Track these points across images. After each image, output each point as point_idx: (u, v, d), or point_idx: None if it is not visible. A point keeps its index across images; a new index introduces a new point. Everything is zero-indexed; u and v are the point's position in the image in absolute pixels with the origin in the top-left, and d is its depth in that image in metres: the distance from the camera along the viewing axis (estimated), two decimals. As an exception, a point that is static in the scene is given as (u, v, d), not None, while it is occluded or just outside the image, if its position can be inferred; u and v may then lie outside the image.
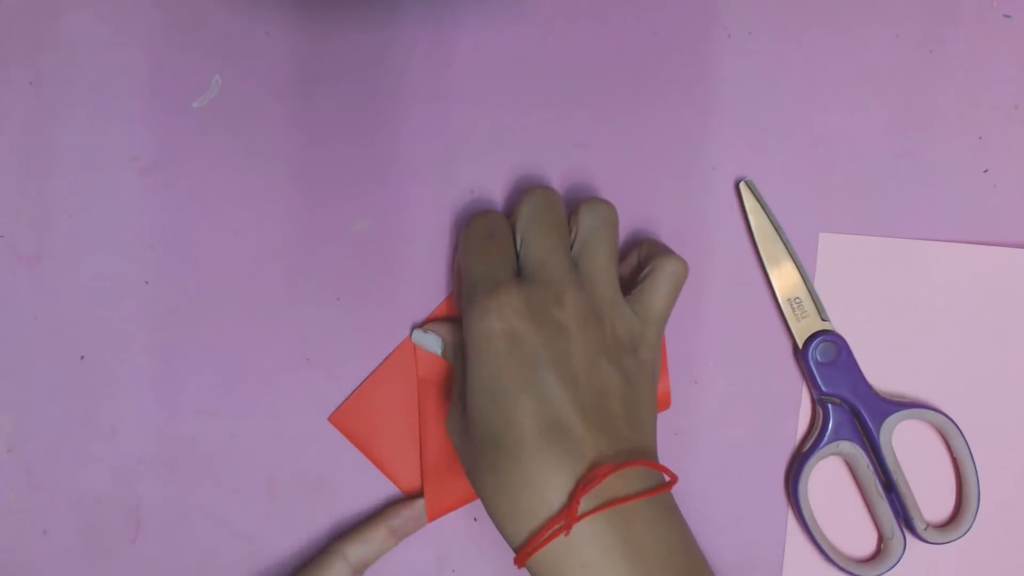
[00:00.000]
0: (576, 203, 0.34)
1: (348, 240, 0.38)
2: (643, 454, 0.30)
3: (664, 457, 0.37)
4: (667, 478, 0.31)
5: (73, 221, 0.38)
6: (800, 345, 0.38)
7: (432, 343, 0.37)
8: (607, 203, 0.34)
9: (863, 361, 0.38)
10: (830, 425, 0.38)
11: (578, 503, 0.28)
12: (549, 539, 0.28)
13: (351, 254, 0.38)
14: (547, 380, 0.29)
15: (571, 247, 0.33)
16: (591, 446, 0.29)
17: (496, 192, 0.38)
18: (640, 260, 0.35)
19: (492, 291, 0.31)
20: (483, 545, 0.38)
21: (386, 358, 0.38)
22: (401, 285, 0.38)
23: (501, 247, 0.33)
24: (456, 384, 0.34)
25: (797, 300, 0.38)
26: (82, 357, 0.38)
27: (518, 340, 0.30)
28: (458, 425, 0.32)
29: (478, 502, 0.37)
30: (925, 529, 0.38)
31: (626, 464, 0.29)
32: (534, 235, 0.33)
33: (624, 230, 0.38)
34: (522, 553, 0.29)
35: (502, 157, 0.38)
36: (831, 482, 0.39)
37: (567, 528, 0.28)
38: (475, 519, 0.38)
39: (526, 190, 0.34)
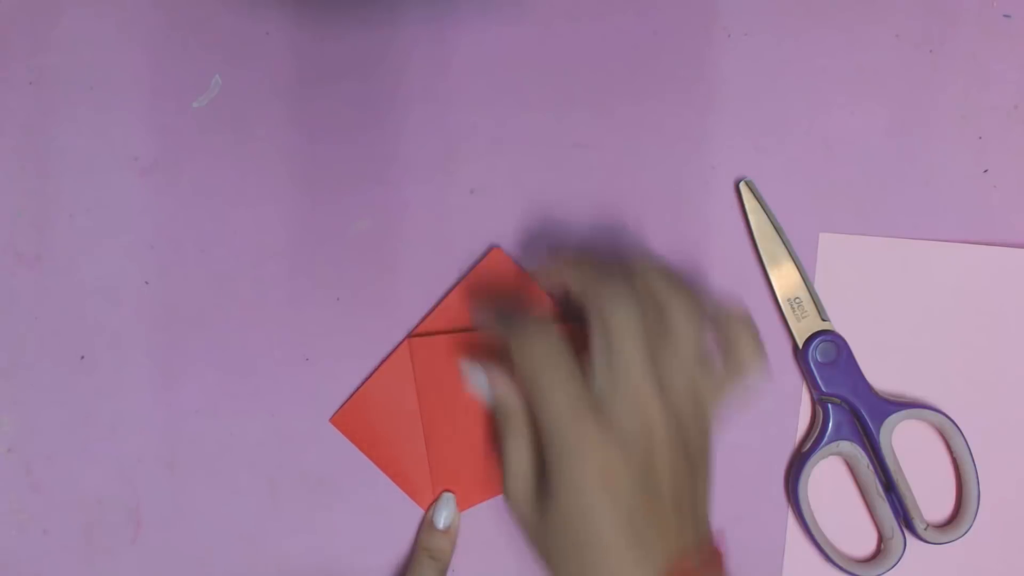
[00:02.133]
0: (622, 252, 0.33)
1: (348, 240, 0.38)
2: (707, 539, 0.32)
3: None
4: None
5: (73, 221, 0.38)
6: (800, 345, 0.38)
7: (481, 384, 0.34)
8: (690, 297, 0.32)
9: (863, 361, 0.38)
10: (830, 425, 0.38)
11: None
12: None
13: (351, 254, 0.38)
14: (635, 495, 0.30)
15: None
16: (672, 541, 0.30)
17: (496, 192, 0.38)
18: (722, 339, 0.33)
19: (578, 432, 0.30)
20: (490, 557, 0.38)
21: (385, 359, 0.38)
22: (401, 285, 0.38)
23: (569, 365, 0.31)
24: (520, 453, 0.33)
25: (797, 300, 0.38)
26: (82, 357, 0.38)
27: (612, 474, 0.30)
28: (531, 500, 0.32)
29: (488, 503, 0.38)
30: (925, 529, 0.38)
31: (703, 558, 0.31)
32: (622, 348, 0.31)
33: (624, 230, 0.38)
34: None
35: (502, 157, 0.38)
36: (831, 482, 0.39)
37: None
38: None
39: (605, 289, 0.32)
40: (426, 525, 0.37)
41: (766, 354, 0.33)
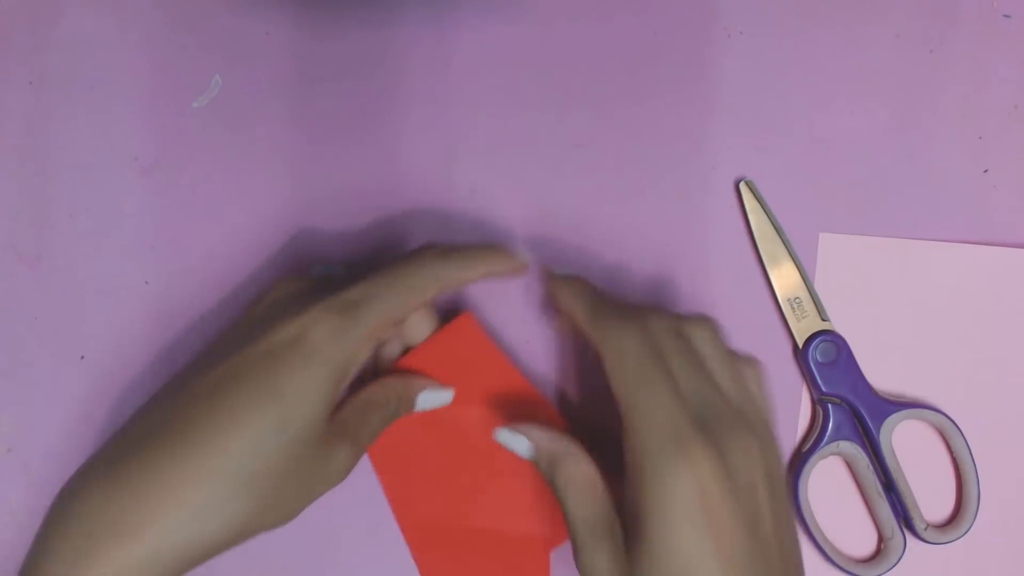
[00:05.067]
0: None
1: (348, 240, 0.38)
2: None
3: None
4: None
5: (73, 221, 0.38)
6: (800, 345, 0.38)
7: (522, 447, 0.32)
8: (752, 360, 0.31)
9: (863, 361, 0.38)
10: (830, 425, 0.38)
11: None
12: None
13: (351, 254, 0.38)
14: (749, 552, 0.27)
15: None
16: None
17: (496, 192, 0.38)
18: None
19: (684, 451, 0.27)
20: None
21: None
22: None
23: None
24: (594, 519, 0.29)
25: (797, 300, 0.38)
26: (82, 357, 0.38)
27: (718, 511, 0.27)
28: (610, 551, 0.28)
29: None
30: (925, 529, 0.38)
31: None
32: (694, 372, 0.29)
33: (624, 230, 0.38)
34: None
35: (502, 157, 0.38)
36: (831, 482, 0.39)
37: None
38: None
39: (691, 316, 0.31)
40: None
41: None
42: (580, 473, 0.30)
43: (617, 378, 0.29)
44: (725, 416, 0.28)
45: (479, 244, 0.33)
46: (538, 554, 0.36)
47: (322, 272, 0.34)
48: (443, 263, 0.32)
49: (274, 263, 0.38)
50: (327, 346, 0.29)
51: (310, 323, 0.29)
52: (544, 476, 0.31)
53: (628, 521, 0.28)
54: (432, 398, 0.33)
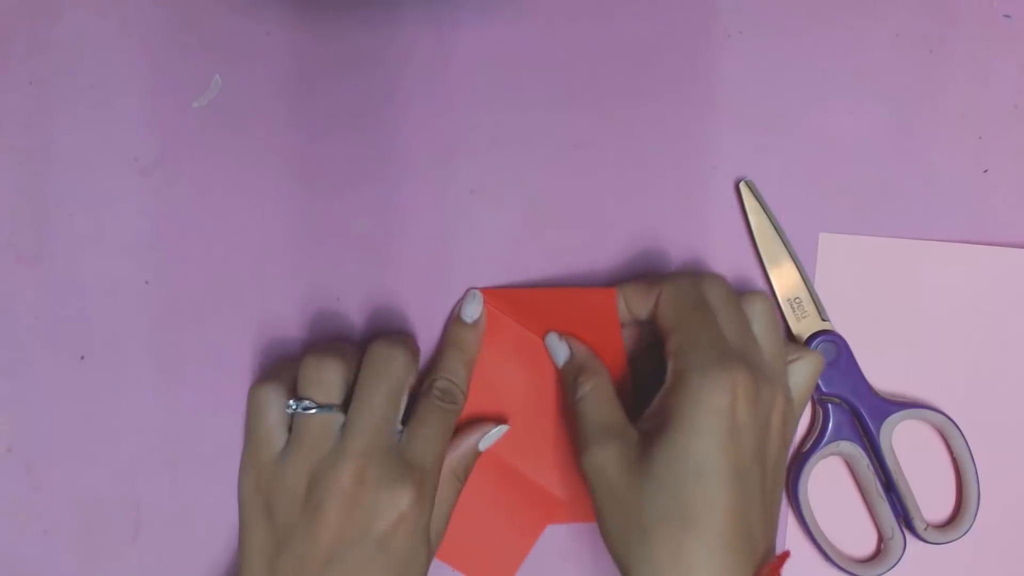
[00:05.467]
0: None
1: (348, 240, 0.38)
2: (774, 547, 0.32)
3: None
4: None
5: (73, 221, 0.38)
6: (800, 345, 0.38)
7: (562, 353, 0.36)
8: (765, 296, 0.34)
9: (863, 361, 0.38)
10: (830, 425, 0.38)
11: None
12: None
13: (351, 254, 0.38)
14: (752, 477, 0.30)
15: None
16: (761, 543, 0.30)
17: (496, 192, 0.38)
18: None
19: (726, 366, 0.30)
20: None
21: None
22: (401, 285, 0.38)
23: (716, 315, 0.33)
24: (610, 402, 0.34)
25: (797, 300, 0.38)
26: (82, 357, 0.38)
27: (740, 429, 0.30)
28: (620, 473, 0.31)
29: None
30: (925, 529, 0.38)
31: (780, 560, 0.30)
32: (740, 326, 0.33)
33: (624, 230, 0.38)
34: None
35: (502, 157, 0.38)
36: (831, 482, 0.39)
37: None
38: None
39: (705, 274, 0.34)
40: (454, 319, 0.37)
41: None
42: (601, 385, 0.34)
43: (670, 311, 0.33)
44: (760, 362, 0.32)
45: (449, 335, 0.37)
46: (534, 524, 0.38)
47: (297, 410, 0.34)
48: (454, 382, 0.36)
49: (274, 263, 0.38)
50: (421, 528, 0.32)
51: (402, 523, 0.32)
52: (568, 387, 0.35)
53: (654, 425, 0.31)
54: (489, 438, 0.36)
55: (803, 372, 0.34)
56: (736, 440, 0.29)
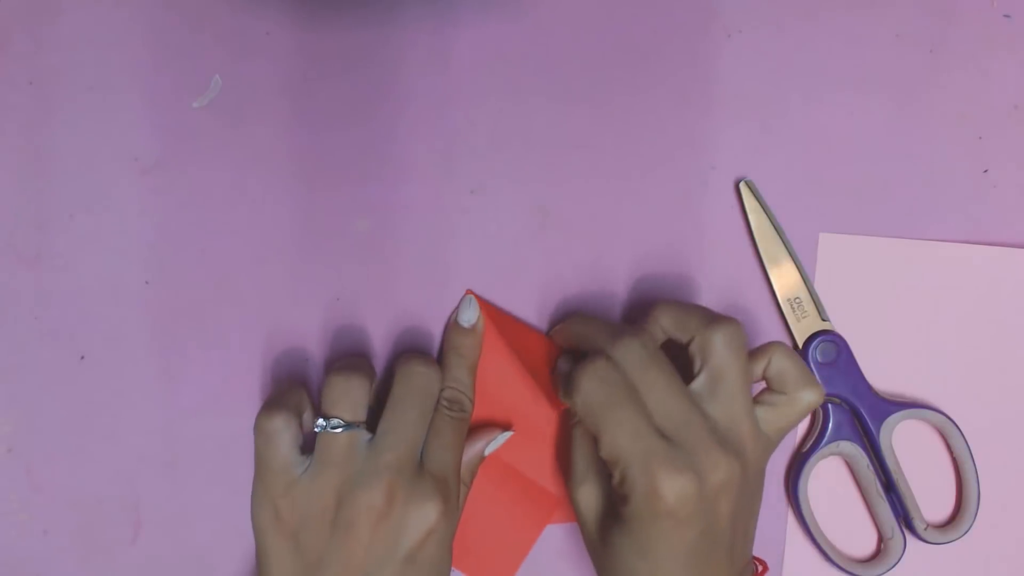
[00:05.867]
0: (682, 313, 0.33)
1: (348, 240, 0.38)
2: (749, 562, 0.33)
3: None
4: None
5: (73, 221, 0.38)
6: (800, 345, 0.38)
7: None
8: (735, 325, 0.32)
9: (863, 361, 0.38)
10: (830, 425, 0.38)
11: None
12: None
13: (351, 254, 0.38)
14: (705, 542, 0.31)
15: (696, 372, 0.32)
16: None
17: (496, 192, 0.38)
18: (768, 373, 0.33)
19: (654, 472, 0.30)
20: None
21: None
22: (401, 285, 0.38)
23: (636, 406, 0.32)
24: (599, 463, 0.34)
25: (797, 300, 0.38)
26: (82, 357, 0.38)
27: (681, 522, 0.30)
28: (598, 517, 0.33)
29: None
30: (925, 529, 0.38)
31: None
32: (667, 384, 0.31)
33: (624, 230, 0.38)
34: None
35: (502, 157, 0.38)
36: (831, 482, 0.39)
37: None
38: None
39: (619, 339, 0.32)
40: (452, 325, 0.37)
41: (818, 382, 0.33)
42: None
43: (586, 405, 0.32)
44: (698, 441, 0.31)
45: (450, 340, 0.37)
46: (534, 523, 0.38)
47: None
48: (462, 391, 0.36)
49: (274, 263, 0.38)
50: (447, 538, 0.33)
51: (431, 536, 0.32)
52: (570, 411, 0.36)
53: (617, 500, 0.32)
54: (495, 444, 0.36)
55: (779, 422, 0.33)
56: (679, 529, 0.30)
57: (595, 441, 0.31)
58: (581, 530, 0.34)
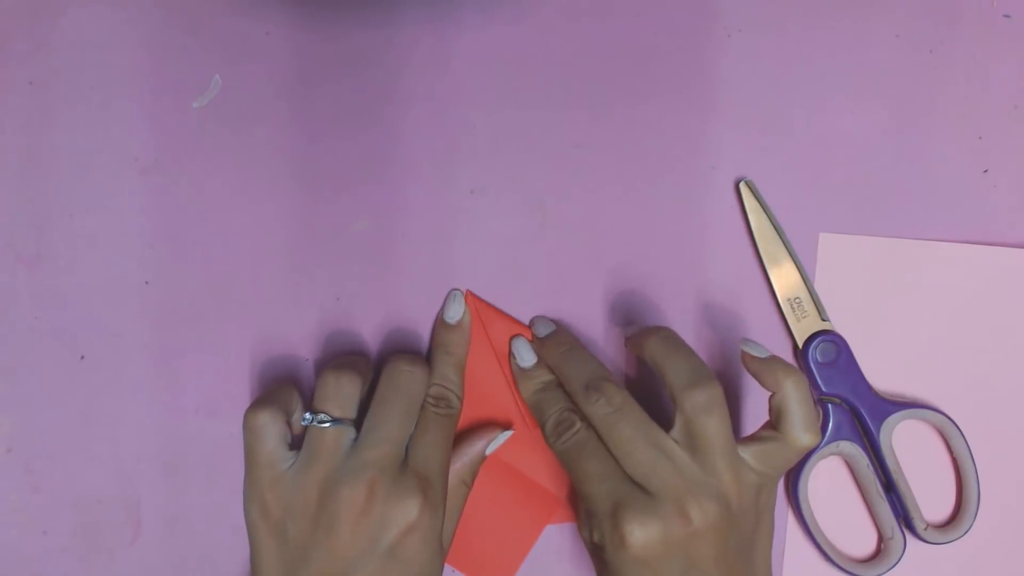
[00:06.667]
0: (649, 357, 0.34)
1: (348, 240, 0.38)
2: None
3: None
4: None
5: (73, 221, 0.38)
6: (800, 345, 0.38)
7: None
8: (710, 391, 0.32)
9: (863, 361, 0.38)
10: (830, 425, 0.38)
11: None
12: None
13: (351, 254, 0.38)
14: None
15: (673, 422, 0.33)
16: None
17: (496, 192, 0.38)
18: (773, 400, 0.33)
19: (619, 522, 0.31)
20: None
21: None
22: (401, 285, 0.38)
23: (601, 457, 0.33)
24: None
25: (797, 300, 0.38)
26: (82, 357, 0.38)
27: (652, 564, 0.31)
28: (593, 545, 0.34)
29: None
30: (925, 529, 0.38)
31: None
32: (632, 437, 0.32)
33: (624, 230, 0.38)
34: None
35: (502, 157, 0.38)
36: (831, 482, 0.39)
37: None
38: None
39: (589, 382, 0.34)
40: (438, 323, 0.37)
41: (817, 422, 0.33)
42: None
43: (564, 456, 0.34)
44: (665, 481, 0.31)
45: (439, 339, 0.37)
46: (534, 523, 0.38)
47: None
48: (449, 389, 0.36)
49: (274, 263, 0.38)
50: (432, 534, 0.33)
51: (412, 532, 0.32)
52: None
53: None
54: (495, 443, 0.36)
55: (774, 461, 0.32)
56: (654, 571, 0.31)
57: None
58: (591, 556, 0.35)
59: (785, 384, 0.32)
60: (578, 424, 0.34)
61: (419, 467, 0.33)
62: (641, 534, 0.30)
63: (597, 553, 0.33)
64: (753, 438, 0.33)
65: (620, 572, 0.31)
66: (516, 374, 0.37)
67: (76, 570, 0.38)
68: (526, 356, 0.37)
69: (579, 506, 0.35)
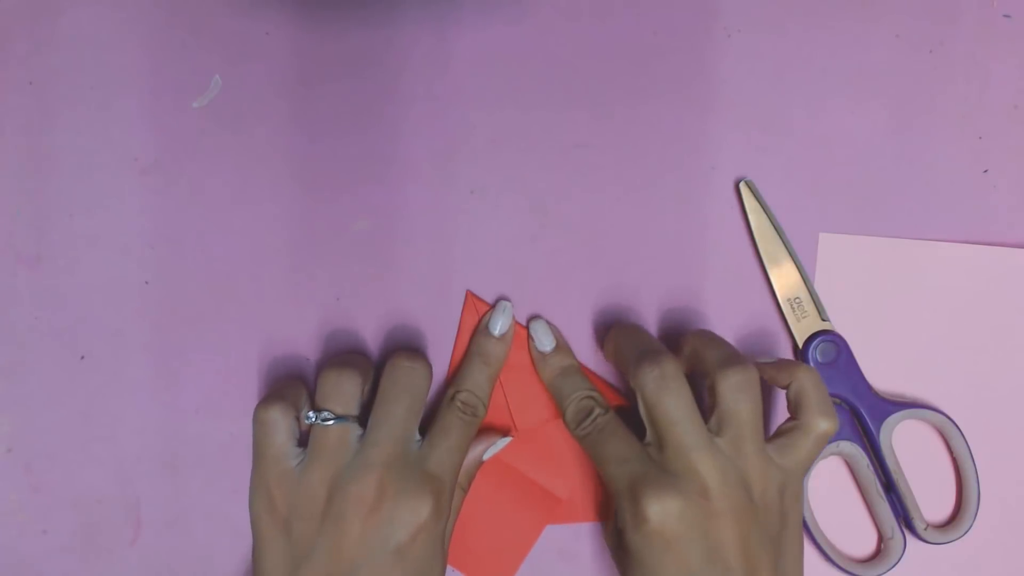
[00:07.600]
0: (702, 356, 0.34)
1: (348, 240, 0.38)
2: None
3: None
4: None
5: (73, 221, 0.38)
6: (800, 345, 0.38)
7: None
8: (745, 372, 0.32)
9: (863, 361, 0.38)
10: (830, 425, 0.38)
11: None
12: None
13: (351, 254, 0.38)
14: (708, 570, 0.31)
15: (711, 412, 0.33)
16: None
17: (496, 192, 0.38)
18: (789, 394, 0.34)
19: (638, 496, 0.31)
20: None
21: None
22: (401, 285, 0.38)
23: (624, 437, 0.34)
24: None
25: (797, 300, 0.38)
26: (82, 357, 0.38)
27: (672, 543, 0.31)
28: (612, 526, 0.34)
29: None
30: (925, 529, 0.38)
31: None
32: (672, 412, 0.32)
33: (624, 230, 0.38)
34: None
35: (502, 157, 0.38)
36: (831, 482, 0.39)
37: None
38: None
39: (642, 354, 0.33)
40: (481, 330, 0.37)
41: (833, 409, 0.33)
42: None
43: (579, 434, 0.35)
44: (690, 460, 0.31)
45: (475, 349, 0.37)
46: (534, 523, 0.38)
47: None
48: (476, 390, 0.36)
49: (274, 263, 0.38)
50: (438, 537, 0.33)
51: (421, 533, 0.32)
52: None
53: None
54: (493, 450, 0.37)
55: (796, 454, 0.33)
56: (674, 551, 0.31)
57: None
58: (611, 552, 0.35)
59: (798, 372, 0.33)
60: (597, 410, 0.34)
61: (434, 468, 0.33)
62: (659, 508, 0.30)
63: (620, 546, 0.33)
64: (775, 433, 0.33)
65: (641, 553, 0.31)
66: (536, 358, 0.37)
67: (76, 570, 0.38)
68: (545, 340, 0.37)
69: (601, 507, 0.35)
